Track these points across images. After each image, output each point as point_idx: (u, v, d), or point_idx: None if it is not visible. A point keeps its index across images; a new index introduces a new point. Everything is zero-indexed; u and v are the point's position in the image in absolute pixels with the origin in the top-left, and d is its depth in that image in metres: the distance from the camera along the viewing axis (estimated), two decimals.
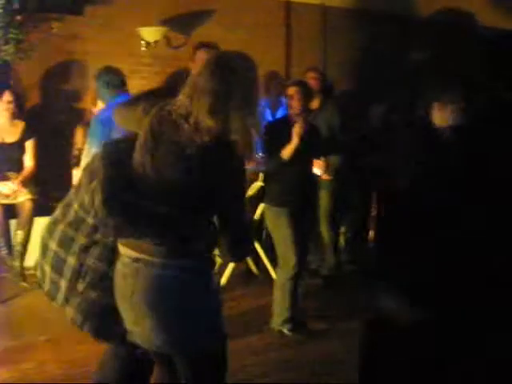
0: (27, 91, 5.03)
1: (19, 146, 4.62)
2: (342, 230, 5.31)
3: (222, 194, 1.89)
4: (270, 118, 4.99)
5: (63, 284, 2.11)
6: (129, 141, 2.03)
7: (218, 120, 1.84)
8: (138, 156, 1.93)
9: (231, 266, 4.50)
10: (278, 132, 3.73)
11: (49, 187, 4.52)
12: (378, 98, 5.32)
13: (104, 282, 2.07)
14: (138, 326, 1.99)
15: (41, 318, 3.82)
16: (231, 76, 1.88)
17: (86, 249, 2.08)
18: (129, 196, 1.89)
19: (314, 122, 4.91)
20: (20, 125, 4.67)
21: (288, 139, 3.63)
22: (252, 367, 3.33)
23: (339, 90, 5.89)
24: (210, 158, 1.85)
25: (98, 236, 2.06)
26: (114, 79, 3.68)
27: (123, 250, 2.02)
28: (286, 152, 3.64)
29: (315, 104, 5.02)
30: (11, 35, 4.97)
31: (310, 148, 3.75)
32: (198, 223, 1.94)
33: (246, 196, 4.14)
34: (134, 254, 1.97)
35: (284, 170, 3.70)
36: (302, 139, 3.63)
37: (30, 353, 3.46)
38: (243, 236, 2.00)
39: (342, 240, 5.35)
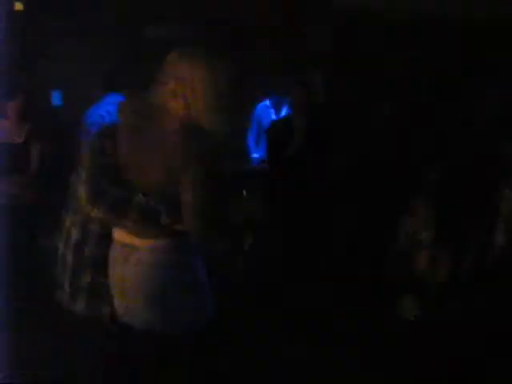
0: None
1: (25, 147, 4.64)
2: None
3: (193, 178, 1.90)
4: (274, 117, 4.97)
5: (66, 284, 2.20)
6: (114, 128, 2.08)
7: (181, 105, 1.92)
8: (120, 144, 2.02)
9: None
10: (279, 131, 3.71)
11: (54, 189, 4.52)
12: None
13: (104, 268, 2.15)
14: (128, 308, 2.07)
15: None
16: (195, 65, 1.93)
17: (80, 242, 2.17)
18: (113, 187, 1.99)
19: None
20: (27, 126, 4.68)
21: (290, 139, 3.60)
22: None
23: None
24: (180, 143, 1.90)
25: (90, 227, 2.14)
26: (103, 78, 3.70)
27: (115, 235, 2.11)
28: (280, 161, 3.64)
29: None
30: None
31: (314, 149, 3.73)
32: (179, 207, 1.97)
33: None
34: (122, 240, 2.06)
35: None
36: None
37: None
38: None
39: None
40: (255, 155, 4.56)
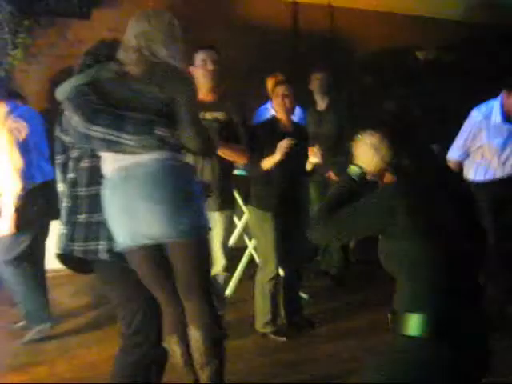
0: (33, 97, 5.04)
1: None
2: None
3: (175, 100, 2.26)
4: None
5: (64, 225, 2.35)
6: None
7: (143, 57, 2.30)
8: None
9: (238, 273, 4.53)
10: (263, 136, 3.64)
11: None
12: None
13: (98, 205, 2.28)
14: (136, 225, 2.21)
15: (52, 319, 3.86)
16: (153, 20, 2.35)
17: (75, 183, 2.33)
18: (109, 109, 2.20)
19: (320, 123, 4.95)
20: None
21: (274, 143, 3.53)
22: (261, 368, 3.33)
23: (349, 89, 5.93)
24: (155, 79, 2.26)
25: (82, 164, 2.32)
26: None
27: (109, 166, 2.27)
28: (267, 164, 3.55)
29: (322, 105, 5.05)
30: (19, 40, 5.03)
31: (297, 152, 3.62)
32: (170, 124, 2.25)
33: None
34: (118, 165, 2.23)
35: (271, 172, 3.59)
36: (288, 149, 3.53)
37: (40, 356, 3.49)
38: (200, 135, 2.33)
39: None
40: None
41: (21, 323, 3.82)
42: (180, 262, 2.30)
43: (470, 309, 1.86)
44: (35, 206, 3.61)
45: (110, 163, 2.26)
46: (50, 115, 5.08)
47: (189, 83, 2.33)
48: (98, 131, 2.17)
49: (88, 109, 2.19)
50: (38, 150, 3.71)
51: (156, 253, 2.30)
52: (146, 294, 2.37)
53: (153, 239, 2.24)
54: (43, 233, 3.77)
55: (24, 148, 3.54)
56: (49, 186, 3.60)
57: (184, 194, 2.25)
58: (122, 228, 2.24)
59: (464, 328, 1.81)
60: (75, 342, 3.69)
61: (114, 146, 2.19)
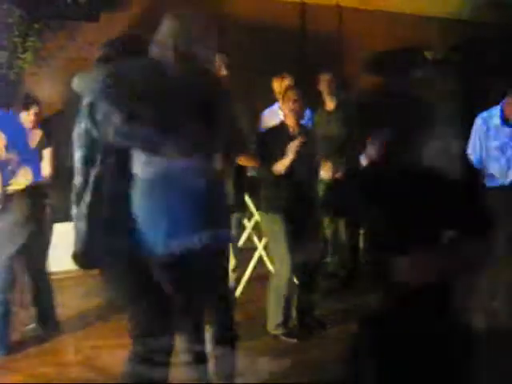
0: (43, 99, 5.07)
1: (37, 153, 4.68)
2: (362, 230, 5.27)
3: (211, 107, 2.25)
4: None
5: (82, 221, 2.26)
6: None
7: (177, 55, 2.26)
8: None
9: (247, 274, 4.52)
10: (272, 141, 3.66)
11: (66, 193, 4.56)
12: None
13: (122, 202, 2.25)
14: (171, 229, 2.20)
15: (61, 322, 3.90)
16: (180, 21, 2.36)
17: (100, 177, 2.24)
18: (146, 109, 2.13)
19: (329, 123, 4.96)
20: (39, 133, 4.71)
21: (283, 148, 3.55)
22: (271, 368, 3.30)
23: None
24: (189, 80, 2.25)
25: (109, 158, 2.24)
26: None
27: (143, 166, 2.22)
28: (280, 167, 3.57)
29: (330, 105, 5.05)
30: (29, 43, 5.07)
31: (304, 154, 3.63)
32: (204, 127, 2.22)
33: None
34: (155, 167, 2.19)
35: (279, 175, 3.61)
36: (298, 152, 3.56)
37: (49, 357, 3.52)
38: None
39: (361, 241, 5.32)
40: None
41: (31, 326, 3.85)
42: (203, 264, 2.29)
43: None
44: (21, 209, 3.61)
45: (145, 163, 2.22)
46: (62, 117, 5.19)
47: (222, 85, 2.35)
48: (136, 131, 2.14)
49: (126, 107, 2.12)
50: (19, 154, 3.69)
51: (181, 255, 2.27)
52: (153, 296, 2.34)
53: (189, 244, 2.22)
54: (37, 237, 3.72)
55: (4, 163, 3.53)
56: (35, 189, 3.67)
57: (219, 200, 2.28)
58: (156, 230, 2.22)
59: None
60: (85, 343, 3.70)
61: (150, 147, 2.17)
